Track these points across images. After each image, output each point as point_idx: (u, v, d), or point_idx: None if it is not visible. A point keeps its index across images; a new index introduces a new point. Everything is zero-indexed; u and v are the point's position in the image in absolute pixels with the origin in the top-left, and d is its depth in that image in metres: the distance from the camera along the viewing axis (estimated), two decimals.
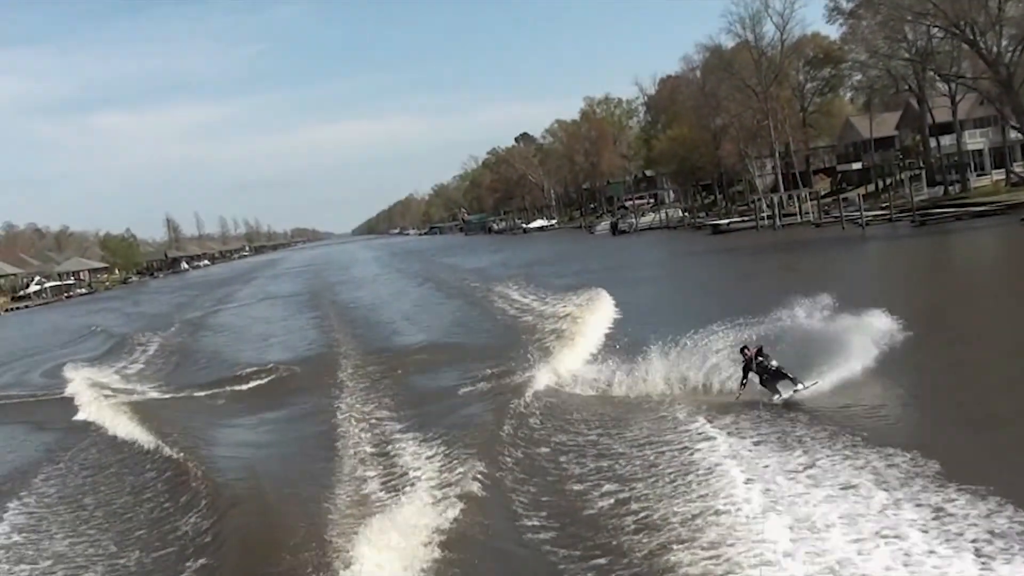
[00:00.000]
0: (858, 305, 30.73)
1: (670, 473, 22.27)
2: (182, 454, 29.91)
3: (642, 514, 19.93)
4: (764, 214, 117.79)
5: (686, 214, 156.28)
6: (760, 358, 28.20)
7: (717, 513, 19.09)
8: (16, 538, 24.83)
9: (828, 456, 21.78)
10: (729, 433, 24.80)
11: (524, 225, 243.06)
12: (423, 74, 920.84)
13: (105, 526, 25.01)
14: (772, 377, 28.10)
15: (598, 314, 47.68)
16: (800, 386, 27.67)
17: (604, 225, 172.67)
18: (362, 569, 18.03)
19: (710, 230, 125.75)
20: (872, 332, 29.38)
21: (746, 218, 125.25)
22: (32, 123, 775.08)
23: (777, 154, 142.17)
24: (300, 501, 23.26)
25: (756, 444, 23.67)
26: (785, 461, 21.78)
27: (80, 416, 40.81)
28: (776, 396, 27.77)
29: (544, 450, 26.05)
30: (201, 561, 20.86)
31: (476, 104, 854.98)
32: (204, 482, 26.43)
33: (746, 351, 28.61)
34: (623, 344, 37.03)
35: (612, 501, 21.13)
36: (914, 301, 44.68)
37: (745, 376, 28.56)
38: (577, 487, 22.60)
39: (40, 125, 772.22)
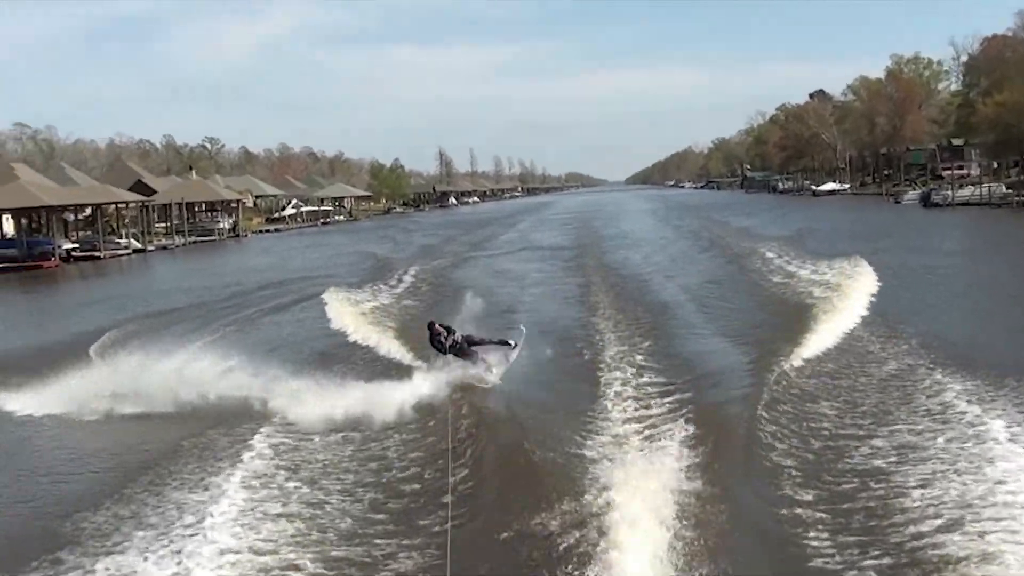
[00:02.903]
0: None
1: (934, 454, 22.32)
2: (442, 379, 30.18)
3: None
4: None
5: (1010, 190, 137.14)
6: (444, 333, 28.85)
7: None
8: (281, 440, 26.20)
9: None
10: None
11: (814, 187, 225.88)
12: (709, 25, 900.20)
13: (364, 438, 26.42)
14: (466, 349, 28.81)
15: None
16: (511, 343, 28.81)
17: (913, 195, 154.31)
18: (609, 504, 18.74)
19: None
20: None
21: None
22: (327, 52, 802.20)
23: None
24: (556, 436, 24.37)
25: None
26: None
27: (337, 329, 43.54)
28: (487, 369, 28.54)
29: (800, 423, 25.76)
30: (458, 476, 22.37)
31: (764, 60, 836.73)
32: (464, 406, 27.91)
33: (434, 326, 29.38)
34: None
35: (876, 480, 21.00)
36: None
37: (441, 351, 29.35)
38: (833, 454, 23.11)
39: (333, 54, 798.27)
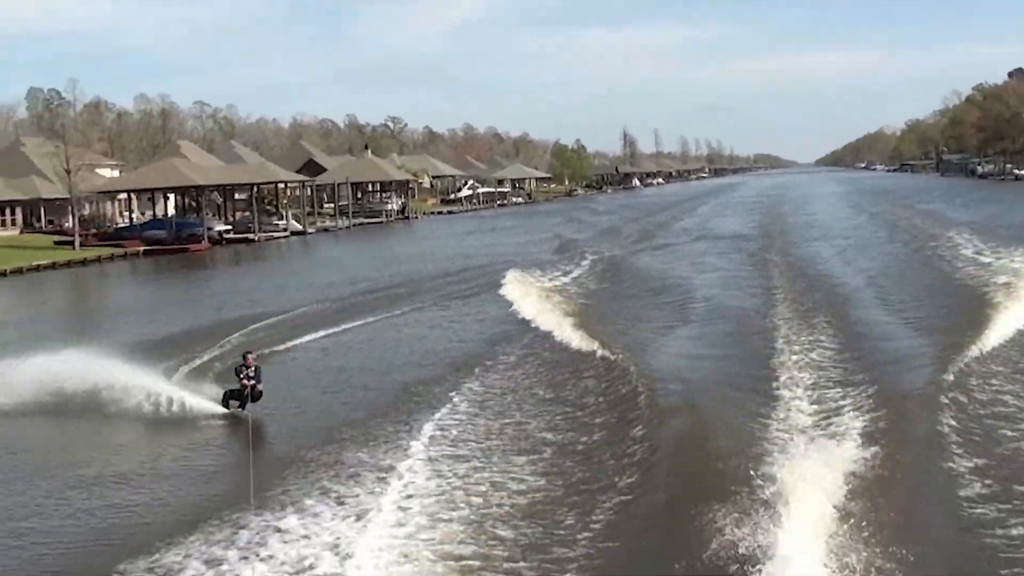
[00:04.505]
0: None
1: None
2: (621, 357, 32.86)
3: None
4: None
5: None
6: (253, 370, 28.84)
7: None
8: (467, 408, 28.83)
9: None
10: None
11: (1016, 171, 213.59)
12: (902, 3, 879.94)
13: (542, 412, 28.15)
14: (255, 395, 28.83)
15: None
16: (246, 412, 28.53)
17: None
18: (782, 496, 18.30)
19: None
20: None
21: None
22: (515, 34, 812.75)
23: None
24: (731, 417, 25.35)
25: None
26: None
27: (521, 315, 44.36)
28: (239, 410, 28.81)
29: (983, 423, 24.99)
30: (637, 459, 22.99)
31: (959, 38, 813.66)
32: (641, 388, 28.86)
33: (247, 358, 29.27)
34: None
35: None
36: None
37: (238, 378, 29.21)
38: None
39: (521, 37, 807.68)
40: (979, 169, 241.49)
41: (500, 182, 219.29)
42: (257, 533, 19.28)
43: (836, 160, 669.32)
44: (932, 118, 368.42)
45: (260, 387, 28.68)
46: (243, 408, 28.51)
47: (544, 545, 18.82)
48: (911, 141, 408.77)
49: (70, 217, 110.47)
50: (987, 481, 21.16)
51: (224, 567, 17.94)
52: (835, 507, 18.30)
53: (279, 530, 19.32)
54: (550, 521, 20.02)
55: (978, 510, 19.35)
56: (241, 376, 28.59)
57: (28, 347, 35.56)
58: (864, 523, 17.81)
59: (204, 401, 29.86)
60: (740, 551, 17.10)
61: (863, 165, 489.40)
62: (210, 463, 26.16)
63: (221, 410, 29.19)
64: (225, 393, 29.22)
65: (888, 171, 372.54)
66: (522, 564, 18.05)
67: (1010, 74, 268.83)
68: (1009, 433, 24.66)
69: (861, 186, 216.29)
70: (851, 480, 19.68)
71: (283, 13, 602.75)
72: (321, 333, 43.12)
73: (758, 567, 16.72)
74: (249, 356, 29.16)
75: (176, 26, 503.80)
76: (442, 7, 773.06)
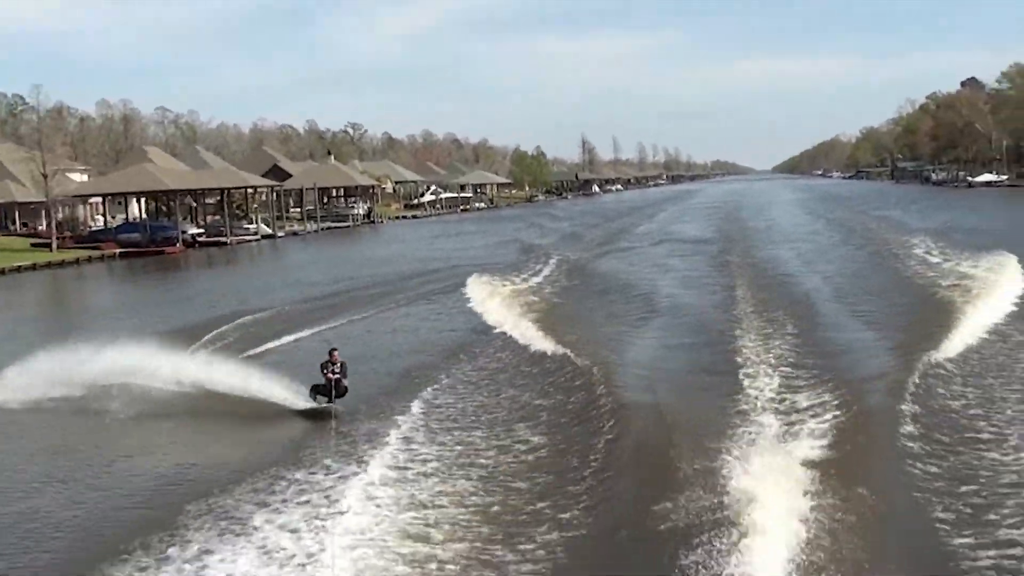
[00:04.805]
0: None
1: None
2: (585, 361, 32.91)
3: None
4: None
5: None
6: (339, 366, 29.53)
7: None
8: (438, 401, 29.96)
9: None
10: None
11: (969, 178, 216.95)
12: (857, 12, 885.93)
13: (507, 415, 28.14)
14: (340, 389, 29.48)
15: None
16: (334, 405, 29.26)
17: None
18: (737, 490, 18.86)
19: None
20: None
21: None
22: (474, 41, 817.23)
23: None
24: (692, 414, 25.75)
25: None
26: None
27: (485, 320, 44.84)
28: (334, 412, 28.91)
29: (940, 422, 25.02)
30: (597, 456, 23.29)
31: (913, 47, 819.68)
32: (603, 385, 29.53)
33: (333, 355, 29.78)
34: None
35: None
36: None
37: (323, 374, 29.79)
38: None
39: (481, 44, 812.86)
40: (933, 176, 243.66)
41: (462, 187, 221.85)
42: (291, 485, 21.69)
43: (792, 167, 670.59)
44: (886, 126, 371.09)
45: (345, 382, 29.45)
46: (330, 401, 29.31)
47: (557, 486, 21.39)
48: (866, 149, 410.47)
49: (45, 220, 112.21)
50: (918, 425, 24.20)
51: (269, 507, 20.35)
52: (794, 511, 18.83)
53: (308, 483, 21.80)
54: (559, 467, 22.68)
55: (911, 445, 22.65)
56: (326, 371, 29.33)
57: (59, 342, 36.21)
58: (821, 526, 18.26)
59: (290, 395, 30.47)
60: (712, 477, 19.99)
61: (819, 172, 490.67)
62: (260, 436, 28.56)
63: (304, 404, 29.98)
64: (312, 387, 30.00)
65: (844, 178, 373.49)
66: (541, 504, 20.29)
67: (963, 83, 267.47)
68: (941, 390, 27.67)
69: (818, 193, 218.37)
70: (809, 484, 20.16)
71: (244, 20, 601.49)
72: (319, 327, 44.68)
73: (725, 485, 19.42)
74: (335, 353, 29.82)
75: (133, 30, 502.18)
76: (398, 12, 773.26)
